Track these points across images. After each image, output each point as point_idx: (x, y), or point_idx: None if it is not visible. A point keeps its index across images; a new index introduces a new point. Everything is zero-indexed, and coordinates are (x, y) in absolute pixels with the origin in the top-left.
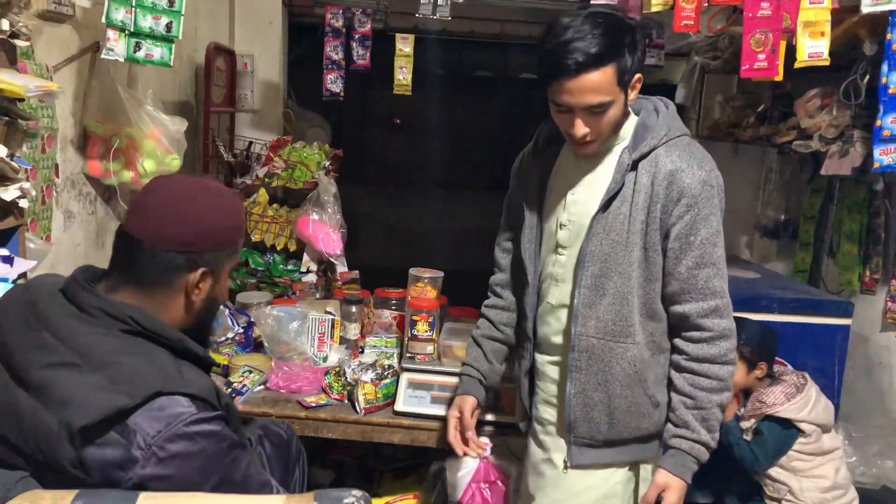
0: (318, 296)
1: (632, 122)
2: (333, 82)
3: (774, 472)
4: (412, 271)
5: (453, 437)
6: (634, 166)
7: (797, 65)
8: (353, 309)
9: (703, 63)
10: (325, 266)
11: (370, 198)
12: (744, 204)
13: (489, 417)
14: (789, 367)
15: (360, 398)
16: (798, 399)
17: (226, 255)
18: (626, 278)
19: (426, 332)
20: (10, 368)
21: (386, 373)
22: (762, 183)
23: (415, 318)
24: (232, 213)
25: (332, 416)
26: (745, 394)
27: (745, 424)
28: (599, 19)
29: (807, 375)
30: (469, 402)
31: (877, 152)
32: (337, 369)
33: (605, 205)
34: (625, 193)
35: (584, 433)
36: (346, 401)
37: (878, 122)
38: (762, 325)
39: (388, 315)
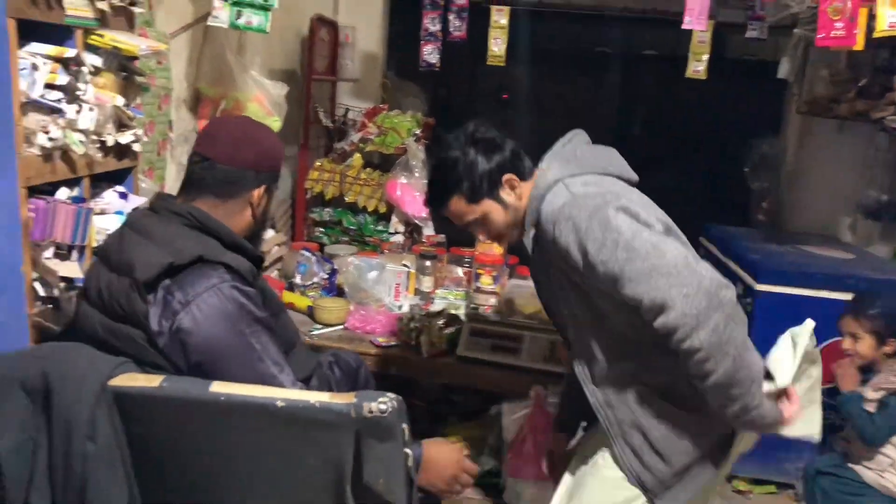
0: (384, 256)
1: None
2: (430, 54)
3: (883, 446)
4: None
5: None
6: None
7: (876, 34)
8: (428, 263)
9: (805, 35)
10: (412, 228)
11: None
12: (847, 183)
13: (545, 367)
14: None
15: (425, 342)
16: None
17: (275, 176)
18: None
19: (489, 285)
20: (106, 263)
21: (452, 321)
22: (868, 161)
23: (479, 271)
24: (278, 144)
25: (400, 354)
26: (863, 368)
27: (871, 395)
28: (433, 162)
29: None
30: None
31: None
32: (408, 315)
33: (539, 277)
34: (545, 260)
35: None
36: (414, 343)
37: None
38: (888, 299)
39: (460, 271)
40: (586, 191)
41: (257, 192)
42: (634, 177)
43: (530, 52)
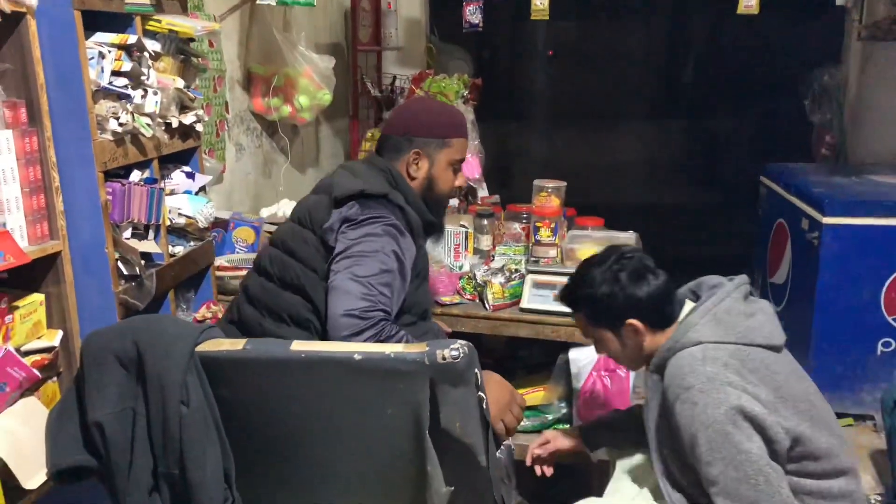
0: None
1: None
2: (472, 14)
3: None
4: (537, 182)
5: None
6: None
7: None
8: (485, 222)
9: None
10: (467, 191)
11: (521, 134)
12: None
13: None
14: None
15: (489, 296)
16: None
17: (436, 143)
18: None
19: (549, 237)
20: (312, 192)
21: (513, 276)
22: None
23: (538, 224)
24: (441, 113)
25: (465, 312)
26: None
27: None
28: (579, 274)
29: None
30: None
31: None
32: (469, 274)
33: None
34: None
35: None
36: (478, 300)
37: None
38: None
39: (517, 226)
40: (723, 377)
41: (409, 157)
42: (780, 341)
43: (574, 3)
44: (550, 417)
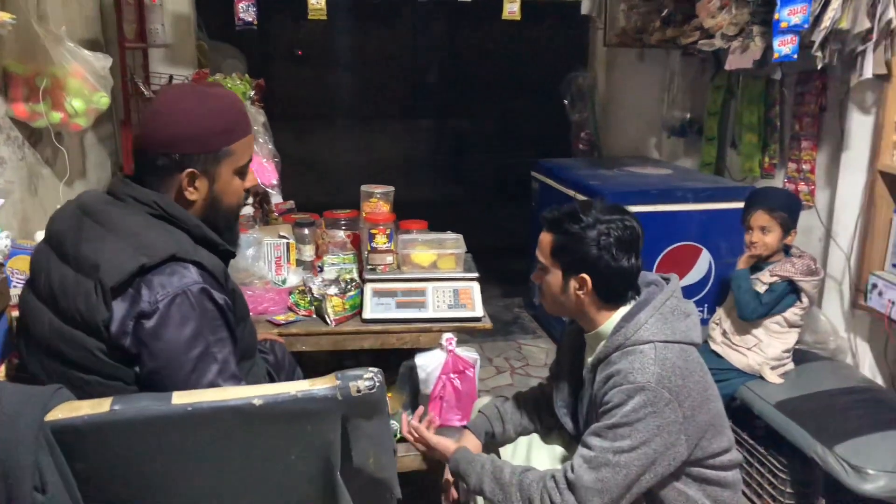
0: (256, 227)
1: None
2: (245, 10)
3: (754, 325)
4: (364, 188)
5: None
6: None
7: None
8: (306, 231)
9: None
10: (261, 198)
11: (279, 134)
12: (651, 106)
13: (451, 314)
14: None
15: (330, 310)
16: (816, 279)
17: (214, 157)
18: None
19: (385, 243)
20: (59, 254)
21: (350, 286)
22: (668, 85)
23: (373, 231)
24: (215, 116)
25: (305, 330)
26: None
27: (766, 279)
28: (572, 213)
29: (816, 260)
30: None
31: (776, 43)
32: (301, 288)
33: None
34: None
35: None
36: (315, 316)
37: (776, 16)
38: (790, 193)
39: (341, 234)
40: (667, 382)
41: (182, 178)
42: (700, 339)
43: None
44: (397, 426)
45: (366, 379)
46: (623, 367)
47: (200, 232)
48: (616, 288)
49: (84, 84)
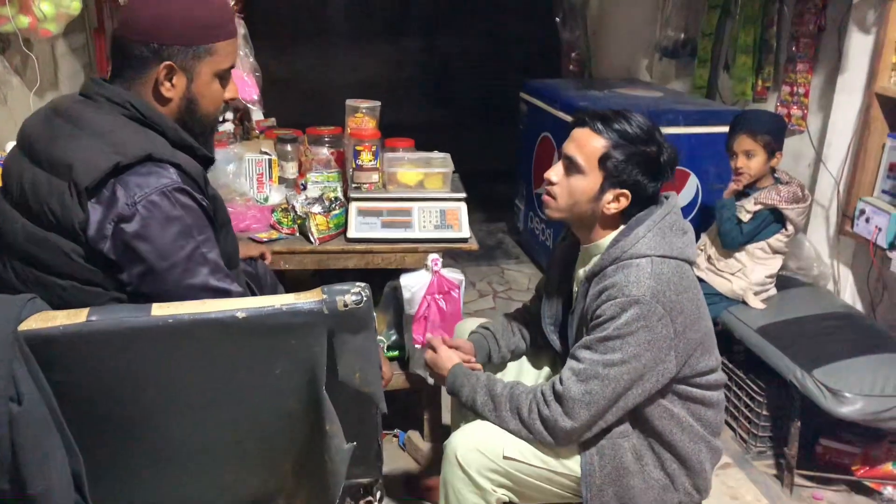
0: (237, 143)
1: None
2: None
3: (738, 250)
4: (349, 102)
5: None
6: None
7: None
8: (289, 148)
9: None
10: (241, 114)
11: (258, 53)
12: (644, 26)
13: (437, 235)
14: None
15: (314, 229)
16: (802, 206)
17: (194, 53)
18: None
19: (370, 161)
20: (30, 156)
21: (334, 204)
22: (662, 4)
23: (358, 148)
24: (201, 7)
25: (288, 248)
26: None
27: (750, 207)
28: (642, 119)
29: (804, 186)
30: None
31: None
32: (284, 206)
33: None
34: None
35: None
36: (298, 234)
37: None
38: (773, 114)
39: (325, 151)
40: (661, 296)
41: (159, 72)
42: (695, 258)
43: None
44: (382, 346)
45: (353, 293)
46: (618, 281)
47: (177, 136)
48: (644, 208)
49: None
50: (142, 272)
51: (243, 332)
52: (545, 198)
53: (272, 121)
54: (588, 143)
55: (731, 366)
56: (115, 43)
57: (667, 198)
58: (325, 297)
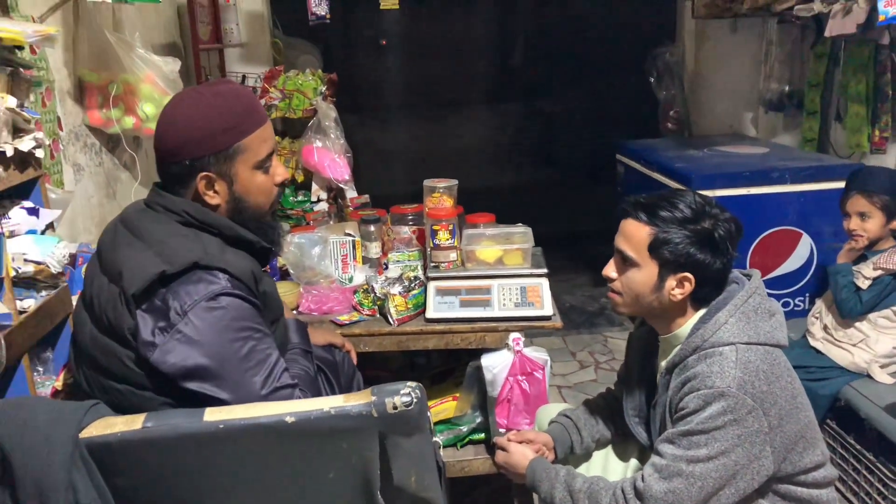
0: (331, 223)
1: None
2: (318, 5)
3: (859, 320)
4: (427, 182)
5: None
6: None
7: None
8: (372, 228)
9: None
10: (335, 193)
11: (364, 125)
12: (746, 79)
13: (517, 313)
14: None
15: (392, 310)
16: None
17: (225, 156)
18: None
19: (448, 240)
20: (100, 262)
21: (413, 284)
22: (764, 56)
23: (435, 227)
24: (215, 114)
25: (367, 330)
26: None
27: (869, 273)
28: (681, 206)
29: None
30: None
31: (881, 4)
32: (365, 287)
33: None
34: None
35: None
36: (378, 315)
37: None
38: (892, 172)
39: (406, 230)
40: (750, 388)
41: (198, 184)
42: (787, 341)
43: None
44: (465, 429)
45: (403, 394)
46: (701, 371)
47: (234, 232)
48: (715, 288)
49: (155, 88)
50: (202, 376)
51: (294, 437)
52: (610, 294)
53: (366, 197)
54: (635, 235)
55: (858, 447)
56: (157, 164)
57: (749, 277)
58: (374, 398)
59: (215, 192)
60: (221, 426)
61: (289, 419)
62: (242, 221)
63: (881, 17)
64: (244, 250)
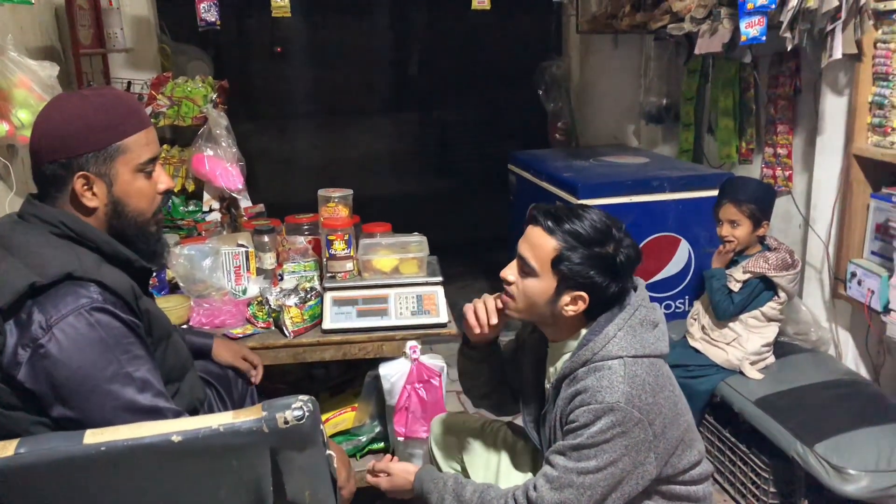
0: (224, 233)
1: None
2: (207, 11)
3: (731, 319)
4: (321, 192)
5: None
6: None
7: None
8: (266, 238)
9: None
10: (228, 203)
11: (261, 133)
12: (628, 93)
13: (414, 321)
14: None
15: (288, 322)
16: (792, 273)
17: (105, 155)
18: None
19: (343, 249)
20: None
21: (309, 295)
22: (643, 71)
23: (331, 237)
24: (97, 112)
25: (262, 343)
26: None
27: (740, 276)
28: (597, 216)
29: (793, 252)
30: None
31: (743, 25)
32: (259, 299)
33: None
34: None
35: None
36: (273, 327)
37: None
38: (760, 183)
39: (302, 240)
40: (637, 400)
41: (76, 186)
42: (668, 349)
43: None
44: (364, 439)
45: (294, 408)
46: (591, 385)
47: (111, 248)
48: (607, 308)
49: (30, 94)
50: (63, 397)
51: (181, 456)
52: (504, 298)
53: (261, 207)
54: (540, 245)
55: (732, 440)
56: (32, 167)
57: (635, 289)
58: (264, 414)
59: (93, 193)
60: (103, 448)
61: (175, 438)
62: (122, 228)
63: (743, 38)
64: (122, 269)
